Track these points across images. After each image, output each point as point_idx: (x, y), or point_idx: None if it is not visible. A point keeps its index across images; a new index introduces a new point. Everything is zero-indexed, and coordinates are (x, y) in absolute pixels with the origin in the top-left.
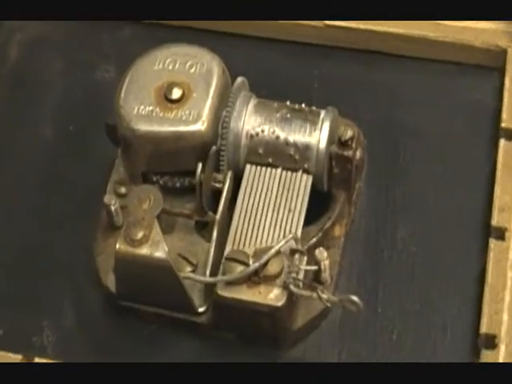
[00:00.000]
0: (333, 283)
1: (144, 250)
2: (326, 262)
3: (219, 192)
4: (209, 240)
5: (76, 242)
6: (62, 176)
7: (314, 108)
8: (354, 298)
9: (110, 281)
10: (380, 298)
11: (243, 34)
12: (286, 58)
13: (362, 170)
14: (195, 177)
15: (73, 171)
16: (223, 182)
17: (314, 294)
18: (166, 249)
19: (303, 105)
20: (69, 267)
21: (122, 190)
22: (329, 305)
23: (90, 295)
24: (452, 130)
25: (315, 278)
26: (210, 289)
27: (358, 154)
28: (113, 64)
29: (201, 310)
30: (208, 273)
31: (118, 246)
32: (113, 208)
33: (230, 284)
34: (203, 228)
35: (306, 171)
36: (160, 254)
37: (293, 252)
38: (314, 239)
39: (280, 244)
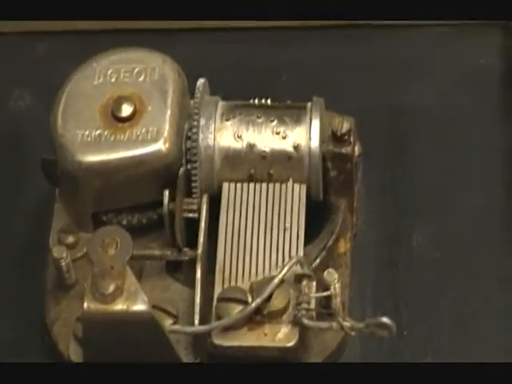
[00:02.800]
0: (346, 310)
1: (119, 306)
2: (338, 285)
3: (193, 222)
4: (186, 283)
5: (18, 315)
6: None
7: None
8: (385, 319)
9: (73, 352)
10: (404, 320)
11: (185, 27)
12: (243, 47)
13: (359, 169)
14: (162, 208)
15: None
16: (199, 209)
17: (334, 324)
18: (146, 299)
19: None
20: (16, 347)
21: (70, 239)
22: (353, 334)
23: None
24: (458, 106)
25: (325, 307)
26: (199, 341)
27: (357, 149)
28: (28, 89)
29: None
30: (197, 322)
31: (85, 304)
32: (63, 263)
33: (226, 330)
34: (176, 269)
35: (296, 180)
36: (140, 306)
37: (299, 278)
38: (317, 260)
39: (284, 270)
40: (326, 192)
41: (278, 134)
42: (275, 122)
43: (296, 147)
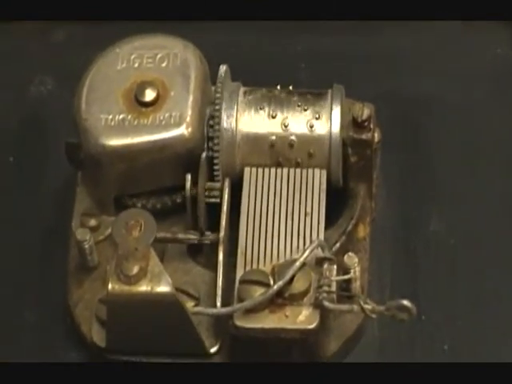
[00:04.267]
0: (365, 294)
1: (143, 287)
2: (358, 269)
3: (213, 206)
4: (207, 266)
5: (41, 298)
6: (8, 218)
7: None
8: (405, 302)
9: (96, 333)
10: (422, 304)
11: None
12: (262, 36)
13: (377, 156)
14: (185, 192)
15: (21, 210)
16: (221, 193)
17: (355, 307)
18: (170, 280)
19: None
20: (39, 329)
21: (92, 222)
22: (374, 316)
23: (70, 358)
24: (475, 97)
25: (344, 291)
26: (220, 323)
27: (377, 136)
28: (50, 74)
29: (213, 350)
30: (219, 304)
31: (110, 286)
32: (87, 245)
33: (248, 312)
34: (197, 253)
35: (317, 165)
36: (163, 288)
37: (320, 261)
38: (337, 244)
39: (305, 253)
40: (346, 178)
41: (299, 106)
42: (296, 98)
43: (318, 118)
